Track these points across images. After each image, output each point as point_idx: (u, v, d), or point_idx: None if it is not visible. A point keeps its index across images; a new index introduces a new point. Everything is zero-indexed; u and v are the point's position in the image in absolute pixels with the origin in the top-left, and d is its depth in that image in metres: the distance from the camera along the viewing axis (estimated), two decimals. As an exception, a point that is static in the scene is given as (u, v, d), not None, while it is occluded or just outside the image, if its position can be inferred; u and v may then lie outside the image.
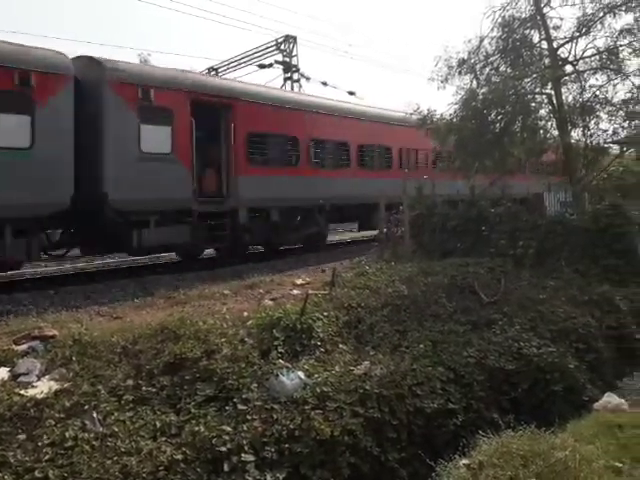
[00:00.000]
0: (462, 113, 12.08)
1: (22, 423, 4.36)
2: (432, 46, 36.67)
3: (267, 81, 23.91)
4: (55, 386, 4.83)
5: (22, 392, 4.65)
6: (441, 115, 12.85)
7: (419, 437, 5.51)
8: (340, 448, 4.96)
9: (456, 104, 12.27)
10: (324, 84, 26.73)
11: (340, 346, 6.46)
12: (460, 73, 12.53)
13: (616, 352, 7.94)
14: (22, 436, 4.24)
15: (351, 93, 26.75)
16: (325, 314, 6.87)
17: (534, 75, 11.93)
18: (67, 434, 4.27)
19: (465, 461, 4.34)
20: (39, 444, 4.16)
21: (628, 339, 8.26)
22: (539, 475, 3.85)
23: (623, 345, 8.12)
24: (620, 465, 4.14)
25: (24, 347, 5.47)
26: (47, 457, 4.06)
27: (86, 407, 4.60)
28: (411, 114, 13.84)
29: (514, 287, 8.68)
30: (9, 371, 5.01)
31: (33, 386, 4.81)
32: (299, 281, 9.37)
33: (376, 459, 5.13)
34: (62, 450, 4.15)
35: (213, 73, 26.21)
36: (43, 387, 4.80)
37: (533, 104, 12.31)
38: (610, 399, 5.79)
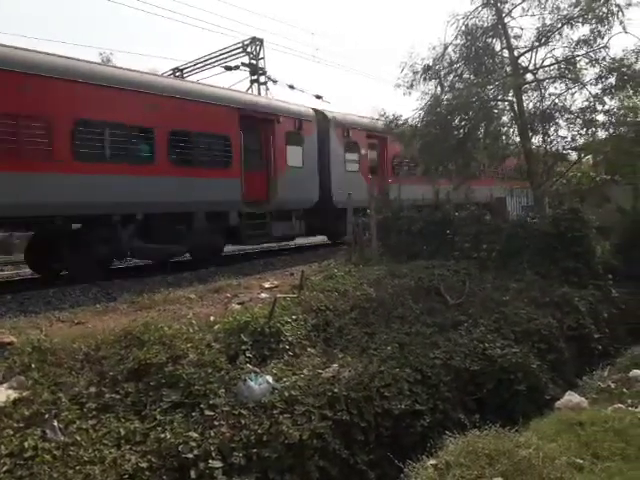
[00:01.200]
0: (427, 118, 12.29)
1: (-22, 435, 4.18)
2: (399, 52, 37.24)
3: (233, 83, 23.80)
4: (13, 394, 4.65)
5: (-23, 402, 4.45)
6: (406, 120, 13.04)
7: (387, 439, 5.55)
8: (309, 452, 4.94)
9: (421, 109, 12.48)
10: (291, 87, 26.71)
11: (309, 349, 6.45)
12: (425, 79, 12.75)
13: (576, 352, 8.20)
14: (-23, 448, 4.06)
15: (318, 97, 26.84)
16: (294, 317, 6.84)
17: (496, 82, 12.23)
18: (26, 444, 4.13)
19: (432, 461, 4.40)
20: (-4, 455, 3.99)
21: (587, 339, 8.55)
22: (504, 473, 3.94)
23: (582, 345, 8.40)
24: (581, 462, 4.27)
25: (-21, 355, 5.25)
26: (5, 468, 3.92)
27: (46, 416, 4.45)
28: (377, 119, 14.03)
29: (478, 289, 8.86)
30: (-37, 380, 4.79)
31: (-11, 395, 4.62)
32: (267, 284, 9.30)
33: (345, 462, 5.14)
34: (21, 461, 4.00)
35: (178, 74, 25.85)
36: (0, 396, 4.61)
37: (496, 111, 12.63)
38: (571, 397, 5.97)
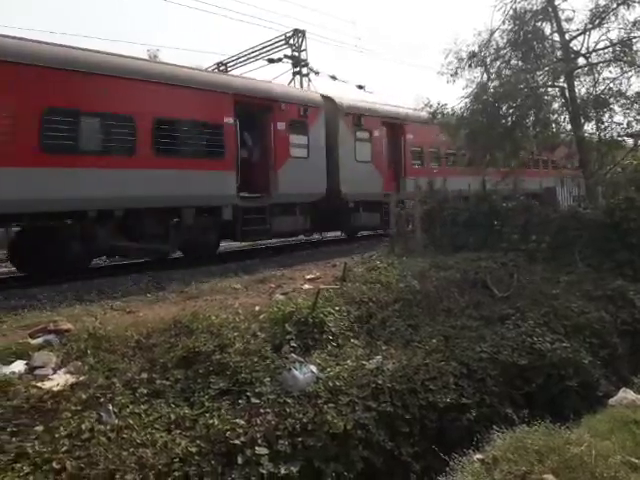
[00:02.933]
0: (473, 107, 11.98)
1: (39, 415, 4.40)
2: (442, 39, 36.45)
3: (276, 76, 23.94)
4: (71, 379, 4.87)
5: (39, 385, 4.69)
6: (451, 109, 12.76)
7: (432, 431, 5.51)
8: (353, 442, 4.98)
9: (466, 98, 12.17)
10: (333, 78, 26.63)
11: (352, 340, 6.46)
12: (470, 66, 12.40)
13: (631, 347, 7.87)
14: (39, 428, 4.27)
15: (360, 87, 26.66)
16: (337, 309, 6.88)
17: (546, 68, 11.79)
18: (83, 426, 4.30)
19: (479, 456, 4.34)
20: (56, 436, 4.19)
21: (643, 334, 8.18)
22: (555, 470, 3.84)
23: (638, 340, 8.04)
24: (637, 461, 4.11)
25: (39, 340, 5.52)
26: (64, 448, 4.09)
27: (102, 400, 4.63)
28: (422, 109, 13.75)
29: (527, 282, 8.62)
30: (25, 364, 5.05)
31: (49, 379, 4.85)
32: (310, 276, 9.37)
33: (389, 453, 5.14)
34: (79, 442, 4.18)
35: (222, 68, 26.22)
36: (59, 380, 4.84)
37: (546, 97, 12.18)
38: (626, 394, 5.75)
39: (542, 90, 11.95)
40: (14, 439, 4.12)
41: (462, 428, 5.63)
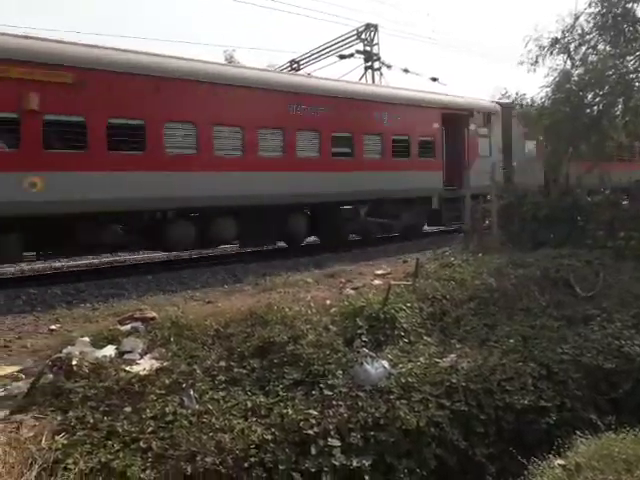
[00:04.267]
0: (555, 96, 11.36)
1: (128, 397, 4.71)
2: (519, 30, 34.75)
3: (347, 72, 23.92)
4: (156, 364, 5.17)
5: (127, 368, 5.02)
6: (531, 99, 12.17)
7: (509, 433, 5.34)
8: (426, 439, 4.93)
9: (548, 87, 11.56)
10: (405, 71, 26.20)
11: (424, 338, 6.38)
12: (552, 53, 11.73)
13: None
14: (128, 409, 4.58)
15: (434, 79, 26.06)
16: (408, 305, 6.81)
17: (637, 53, 10.94)
18: (167, 409, 4.56)
19: (560, 461, 4.16)
20: (143, 417, 4.46)
21: None
22: (645, 481, 3.61)
23: None
24: None
25: (128, 327, 5.90)
26: (150, 429, 4.35)
27: (184, 385, 4.88)
28: (499, 99, 13.24)
29: (614, 281, 8.09)
30: (116, 349, 5.42)
31: (137, 363, 5.18)
32: (380, 271, 9.34)
33: (463, 453, 5.04)
34: (163, 423, 4.43)
35: (295, 66, 26.57)
36: (145, 365, 5.15)
37: (636, 84, 11.31)
38: None
39: (632, 76, 11.10)
40: (106, 418, 4.44)
41: (541, 432, 5.41)
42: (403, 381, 5.31)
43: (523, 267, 8.43)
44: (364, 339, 5.94)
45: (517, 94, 12.41)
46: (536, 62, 11.77)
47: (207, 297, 7.81)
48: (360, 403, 5.00)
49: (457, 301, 7.18)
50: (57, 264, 12.64)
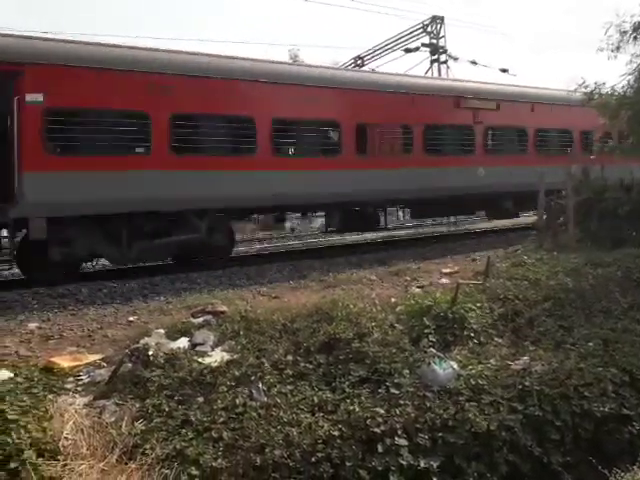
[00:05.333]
0: (638, 84, 10.58)
1: (200, 387, 4.89)
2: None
3: (411, 66, 23.54)
4: (226, 356, 5.33)
5: (200, 360, 5.21)
6: (611, 88, 11.40)
7: (587, 442, 5.06)
8: (497, 443, 4.78)
9: (630, 74, 10.77)
10: (473, 63, 25.49)
11: (495, 339, 6.18)
12: (635, 39, 10.94)
13: None
14: (200, 399, 4.76)
15: (503, 71, 25.15)
16: (478, 305, 6.62)
17: None
18: (237, 401, 4.69)
19: (646, 474, 3.89)
20: (214, 407, 4.62)
21: None
22: None
23: None
24: None
25: (200, 320, 6.13)
26: (221, 420, 4.50)
27: (252, 378, 5.00)
28: (574, 90, 12.50)
29: None
30: (188, 341, 5.64)
31: (208, 355, 5.37)
32: (447, 270, 9.16)
33: (537, 460, 4.84)
34: (233, 415, 4.57)
35: (359, 62, 26.48)
36: (216, 357, 5.33)
37: None
38: None
39: None
40: (180, 407, 4.64)
41: (623, 441, 5.09)
42: (473, 383, 5.16)
43: (602, 266, 7.96)
44: (431, 339, 5.83)
45: (595, 84, 11.66)
46: (617, 49, 11.01)
47: (274, 292, 7.96)
48: (428, 403, 4.91)
49: (530, 301, 6.89)
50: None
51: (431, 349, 5.64)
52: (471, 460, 4.66)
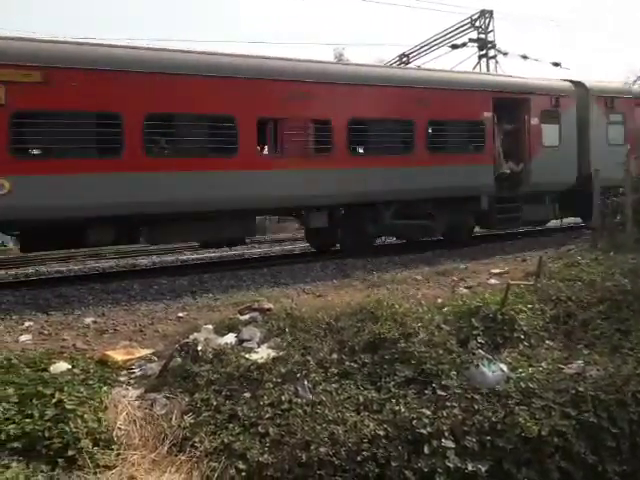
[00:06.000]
0: None
1: (247, 383, 4.96)
2: None
3: (459, 62, 23.09)
4: (272, 353, 5.38)
5: (247, 356, 5.28)
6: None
7: (646, 451, 4.83)
8: (548, 449, 4.64)
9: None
10: (524, 57, 24.68)
11: (547, 342, 6.00)
12: None
13: None
14: (247, 394, 4.83)
15: (556, 64, 24.26)
16: (529, 306, 6.43)
17: None
18: (283, 397, 4.73)
19: None
20: (261, 403, 4.68)
21: None
22: None
23: None
24: None
25: (247, 317, 6.22)
26: (267, 415, 4.56)
27: (298, 375, 5.03)
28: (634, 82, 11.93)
29: None
30: (236, 337, 5.74)
31: (255, 352, 5.44)
32: (496, 270, 8.94)
33: (591, 467, 4.67)
34: (279, 411, 4.61)
35: (404, 59, 26.19)
36: (263, 353, 5.39)
37: None
38: None
39: None
40: (227, 402, 4.72)
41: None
42: (523, 386, 5.03)
43: (663, 268, 7.55)
44: (480, 340, 5.71)
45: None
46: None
47: (318, 291, 8.00)
48: (476, 406, 4.82)
49: (584, 303, 6.62)
50: (183, 257, 13.75)
51: (479, 351, 5.53)
52: (521, 465, 4.55)
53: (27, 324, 6.42)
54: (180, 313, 6.89)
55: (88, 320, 6.60)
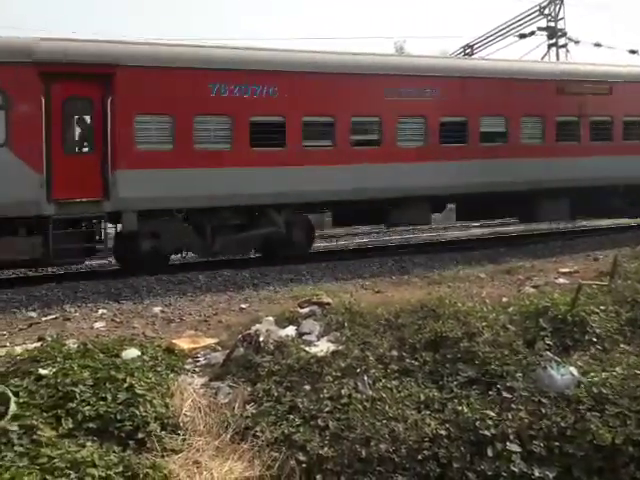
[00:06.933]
0: None
1: (307, 376, 4.99)
2: None
3: (526, 52, 22.20)
4: (331, 347, 5.40)
5: (306, 349, 5.33)
6: None
7: None
8: (623, 459, 4.41)
9: None
10: (597, 45, 23.41)
11: (622, 346, 5.66)
12: None
13: None
14: (307, 387, 4.86)
15: (632, 52, 22.85)
16: (602, 308, 6.10)
17: None
18: (343, 392, 4.74)
19: None
20: (320, 396, 4.71)
21: None
22: None
23: None
24: None
25: (306, 310, 6.27)
26: (327, 409, 4.58)
27: (357, 370, 5.02)
28: None
29: None
30: (296, 329, 5.80)
31: (314, 345, 5.48)
32: (565, 269, 8.61)
33: (672, 482, 4.36)
34: (339, 405, 4.62)
35: (468, 50, 25.46)
36: (322, 347, 5.42)
37: None
38: None
39: None
40: (288, 393, 4.78)
41: None
42: (595, 391, 4.79)
43: None
44: (548, 342, 5.48)
45: None
46: None
47: (376, 287, 7.96)
48: (543, 410, 4.65)
49: (665, 306, 6.20)
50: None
51: (547, 353, 5.32)
52: (592, 474, 4.35)
53: (101, 311, 6.80)
54: (242, 304, 7.07)
55: (156, 309, 6.89)
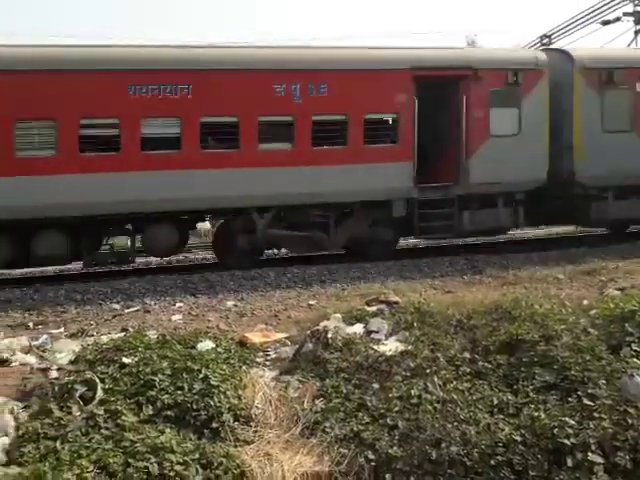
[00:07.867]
0: None
1: (375, 374, 4.99)
2: None
3: (611, 39, 20.79)
4: (400, 347, 5.34)
5: (375, 347, 5.31)
6: None
7: None
8: None
9: None
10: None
11: None
12: None
13: None
14: (376, 385, 4.86)
15: None
16: (697, 313, 5.61)
17: None
18: (412, 392, 4.69)
19: None
20: (389, 395, 4.70)
21: None
22: None
23: None
24: None
25: (374, 309, 6.24)
26: (396, 408, 4.55)
27: (427, 371, 4.94)
28: None
29: None
30: (364, 327, 5.79)
31: (383, 344, 5.44)
32: (655, 271, 7.96)
33: None
34: (409, 405, 4.58)
35: (546, 41, 24.22)
36: (391, 346, 5.38)
37: None
38: None
39: None
40: (356, 391, 4.80)
41: None
42: (689, 404, 4.41)
43: None
44: (635, 348, 5.15)
45: None
46: None
47: (446, 286, 7.78)
48: (630, 420, 4.38)
49: None
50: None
51: (634, 360, 5.00)
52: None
53: (178, 305, 7.11)
54: (311, 301, 7.15)
55: (229, 303, 7.11)
